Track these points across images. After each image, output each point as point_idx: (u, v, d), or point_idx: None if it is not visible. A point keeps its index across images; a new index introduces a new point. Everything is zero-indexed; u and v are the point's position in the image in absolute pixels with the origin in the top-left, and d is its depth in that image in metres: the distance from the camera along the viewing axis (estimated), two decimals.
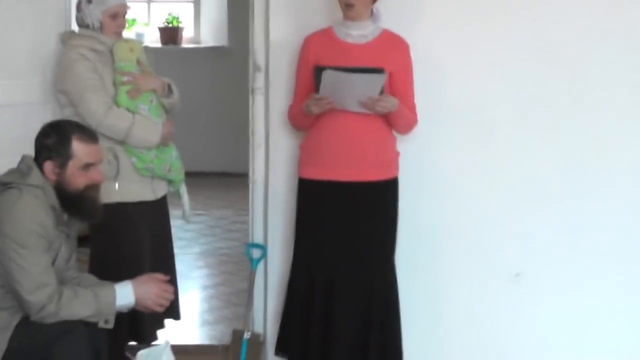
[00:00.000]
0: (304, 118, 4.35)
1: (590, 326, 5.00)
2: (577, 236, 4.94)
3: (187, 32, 9.66)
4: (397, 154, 4.47)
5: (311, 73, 4.30)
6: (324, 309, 4.42)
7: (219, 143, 8.03)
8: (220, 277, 6.09)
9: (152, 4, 9.85)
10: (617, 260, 4.97)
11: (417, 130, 4.62)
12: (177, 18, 9.58)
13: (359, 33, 4.31)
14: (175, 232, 5.21)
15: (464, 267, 4.96)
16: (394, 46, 4.38)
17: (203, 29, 9.57)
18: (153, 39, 9.58)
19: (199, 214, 6.85)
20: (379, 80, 4.17)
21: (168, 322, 4.69)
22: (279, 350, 4.59)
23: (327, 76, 4.11)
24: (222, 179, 7.57)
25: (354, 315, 4.44)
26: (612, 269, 4.97)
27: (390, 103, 4.24)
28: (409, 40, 4.42)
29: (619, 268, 4.97)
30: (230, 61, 7.39)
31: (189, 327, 5.25)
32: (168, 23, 9.56)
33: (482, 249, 4.97)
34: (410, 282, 4.76)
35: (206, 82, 8.76)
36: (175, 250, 5.01)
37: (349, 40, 4.31)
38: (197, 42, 9.56)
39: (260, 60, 4.75)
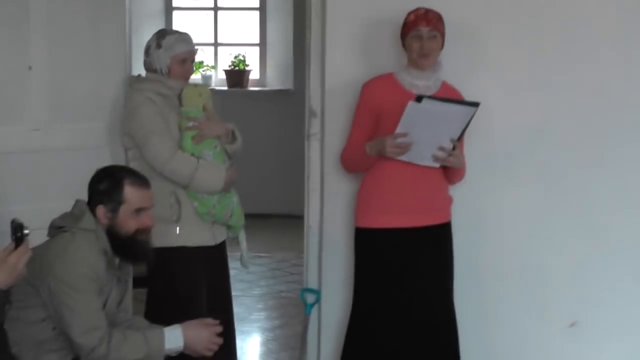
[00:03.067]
0: (364, 161, 4.31)
1: None
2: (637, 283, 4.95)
3: (254, 75, 9.65)
4: (451, 198, 4.49)
5: (372, 118, 4.31)
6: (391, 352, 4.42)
7: (284, 185, 7.99)
8: (279, 320, 6.05)
9: (219, 47, 9.91)
10: None
11: (474, 175, 4.61)
12: (244, 61, 9.60)
13: (425, 84, 4.30)
14: (237, 274, 5.25)
15: (522, 314, 4.90)
16: (454, 96, 4.44)
17: (269, 72, 9.57)
18: (219, 82, 9.64)
19: (260, 257, 6.85)
20: (471, 113, 4.17)
21: None
22: None
23: (425, 103, 4.07)
24: (286, 221, 7.52)
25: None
26: None
27: (459, 160, 4.28)
28: (460, 87, 4.44)
29: None
30: (296, 104, 7.48)
31: None
32: (235, 66, 9.59)
33: (539, 296, 4.92)
34: (468, 326, 4.69)
35: (272, 124, 8.78)
36: (236, 293, 5.04)
37: (415, 91, 4.26)
38: (263, 85, 9.55)
39: (316, 106, 4.77)
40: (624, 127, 4.82)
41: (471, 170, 4.60)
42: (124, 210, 3.54)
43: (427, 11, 4.27)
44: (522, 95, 4.79)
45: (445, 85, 4.38)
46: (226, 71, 9.65)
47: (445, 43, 4.36)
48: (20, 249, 2.74)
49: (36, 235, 3.53)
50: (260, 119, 8.34)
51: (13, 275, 2.75)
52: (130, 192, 3.56)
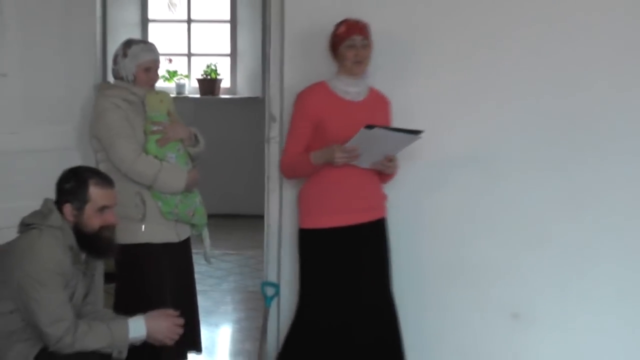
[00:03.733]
0: (309, 169, 4.47)
1: None
2: (577, 276, 5.02)
3: (225, 83, 9.87)
4: (385, 196, 4.64)
5: (311, 126, 4.46)
6: (338, 347, 4.55)
7: (254, 187, 7.97)
8: (244, 313, 6.19)
9: (192, 57, 10.12)
10: (617, 299, 5.03)
11: (417, 173, 4.81)
12: (216, 70, 9.81)
13: (356, 90, 4.49)
14: (207, 271, 5.42)
15: (466, 306, 5.02)
16: (381, 103, 4.61)
17: (239, 81, 9.77)
18: (192, 90, 9.84)
19: (230, 254, 6.98)
20: (413, 140, 4.36)
21: (190, 354, 4.80)
22: None
23: (375, 131, 4.22)
24: (255, 221, 7.49)
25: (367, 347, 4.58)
26: (611, 310, 5.04)
27: (396, 168, 4.49)
28: (388, 93, 4.61)
29: (619, 306, 5.02)
30: (264, 111, 7.61)
31: (210, 359, 5.40)
32: (207, 75, 9.80)
33: (479, 289, 5.04)
34: (410, 318, 4.80)
35: (241, 129, 8.87)
36: (206, 288, 5.20)
37: (348, 97, 4.47)
38: (234, 93, 9.75)
39: (276, 111, 4.91)
40: (555, 130, 4.98)
41: (412, 171, 4.77)
42: (89, 208, 3.66)
43: (357, 21, 4.46)
44: (449, 100, 4.92)
45: (372, 91, 4.58)
46: (199, 80, 9.85)
47: (375, 52, 4.53)
48: None
49: (10, 233, 3.81)
50: (231, 125, 8.49)
51: None
52: (95, 192, 3.67)
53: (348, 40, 4.42)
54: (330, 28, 4.52)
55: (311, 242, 4.57)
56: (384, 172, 4.53)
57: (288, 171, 4.60)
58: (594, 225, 5.07)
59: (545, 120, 5.01)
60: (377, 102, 4.60)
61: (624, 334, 5.10)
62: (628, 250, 5.07)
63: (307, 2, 4.82)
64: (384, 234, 4.65)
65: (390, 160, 4.47)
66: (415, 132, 4.34)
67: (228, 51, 10.06)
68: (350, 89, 4.49)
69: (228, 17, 10.04)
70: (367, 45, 4.45)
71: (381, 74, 4.65)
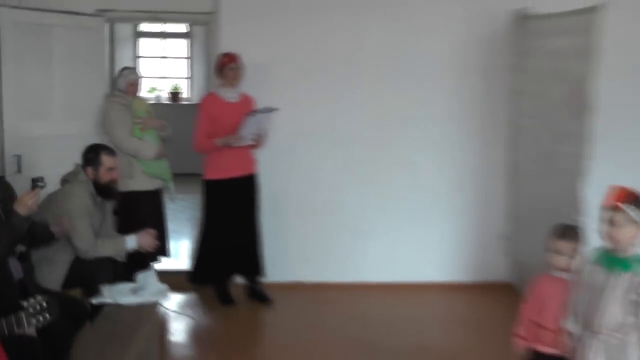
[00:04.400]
0: (214, 149, 4.77)
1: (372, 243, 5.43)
2: (393, 203, 5.45)
3: (185, 95, 10.22)
4: (256, 160, 4.98)
5: (210, 120, 4.75)
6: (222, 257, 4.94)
7: (200, 156, 7.79)
8: (194, 230, 5.58)
9: (165, 79, 10.36)
10: (412, 218, 5.47)
11: (280, 143, 5.16)
12: (179, 87, 10.18)
13: (234, 95, 4.89)
14: (172, 206, 5.69)
15: (318, 227, 5.42)
16: (249, 102, 4.93)
17: (193, 94, 10.03)
18: (165, 99, 10.07)
19: (186, 197, 6.86)
20: (273, 115, 4.76)
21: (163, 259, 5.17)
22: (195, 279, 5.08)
23: (256, 115, 4.61)
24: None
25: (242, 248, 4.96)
26: (411, 226, 5.47)
27: (264, 141, 4.90)
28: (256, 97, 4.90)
29: (415, 223, 5.48)
30: None
31: (175, 261, 5.65)
32: (173, 90, 10.15)
33: (330, 214, 5.42)
34: (281, 236, 5.28)
35: (193, 123, 8.65)
36: (172, 217, 5.55)
37: (231, 100, 4.86)
38: (190, 101, 10.00)
39: None
40: (374, 114, 5.36)
41: (276, 142, 5.12)
42: (101, 169, 4.01)
43: (234, 54, 4.83)
44: (299, 96, 5.26)
45: (243, 95, 4.92)
46: (169, 92, 10.06)
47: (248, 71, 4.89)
48: (31, 192, 3.21)
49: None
50: (187, 120, 8.02)
51: (25, 209, 3.16)
52: (105, 159, 4.02)
53: (232, 64, 4.84)
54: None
55: (209, 188, 4.92)
56: (257, 146, 4.91)
57: (200, 150, 4.90)
58: (398, 171, 5.44)
59: (368, 108, 5.35)
60: (247, 102, 4.91)
61: (419, 241, 5.52)
62: (417, 186, 5.46)
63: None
64: (255, 184, 5.01)
65: (261, 137, 4.86)
66: (274, 109, 4.76)
67: (187, 75, 10.30)
68: (230, 95, 4.88)
69: (187, 55, 10.28)
70: (239, 67, 4.85)
71: (250, 84, 4.97)
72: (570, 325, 3.09)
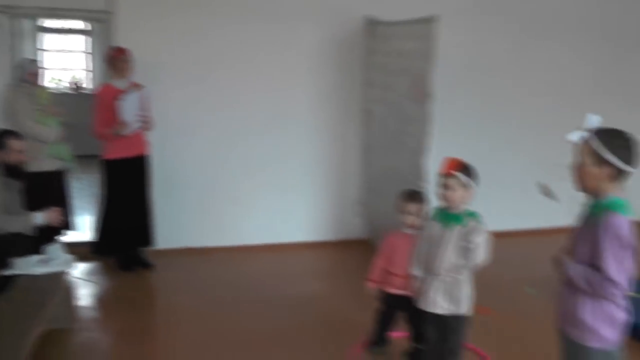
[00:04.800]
0: (110, 137, 4.64)
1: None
2: (264, 178, 5.42)
3: (85, 85, 9.73)
4: (148, 141, 4.85)
5: (107, 107, 4.56)
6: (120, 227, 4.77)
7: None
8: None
9: (67, 71, 9.81)
10: (280, 189, 5.51)
11: (167, 122, 5.00)
12: (78, 77, 9.69)
13: (126, 85, 4.71)
14: (79, 184, 5.57)
15: (204, 198, 5.35)
16: (139, 87, 4.75)
17: (95, 84, 9.31)
18: (66, 88, 9.54)
19: (89, 175, 6.42)
20: (143, 94, 4.62)
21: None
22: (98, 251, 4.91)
23: (125, 98, 4.47)
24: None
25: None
26: (279, 196, 5.51)
27: (152, 124, 4.75)
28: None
29: (280, 193, 5.52)
30: None
31: (80, 234, 5.26)
32: (74, 80, 9.64)
33: (212, 187, 5.36)
34: (165, 211, 5.11)
35: (91, 108, 8.29)
36: (79, 192, 5.47)
37: (123, 89, 4.68)
38: (91, 91, 9.11)
39: None
40: (258, 115, 5.34)
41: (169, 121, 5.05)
42: (9, 152, 3.89)
43: (124, 48, 4.68)
44: (188, 89, 5.15)
45: (132, 83, 4.74)
46: (70, 82, 9.62)
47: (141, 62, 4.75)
48: None
49: None
50: (85, 106, 7.82)
51: None
52: (12, 142, 3.91)
53: (120, 57, 4.68)
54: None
55: (107, 168, 4.78)
56: (146, 129, 4.79)
57: (98, 137, 4.75)
58: (271, 150, 5.41)
59: (244, 98, 5.30)
60: (137, 87, 4.73)
61: (290, 208, 5.57)
62: (287, 163, 5.49)
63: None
64: (147, 163, 4.88)
65: (147, 121, 4.72)
66: (140, 88, 4.60)
67: (87, 68, 9.87)
68: (122, 84, 4.70)
69: (87, 50, 9.82)
70: (129, 60, 4.69)
71: (142, 78, 4.79)
72: (415, 271, 3.26)
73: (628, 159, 2.20)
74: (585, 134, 2.23)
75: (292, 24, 5.37)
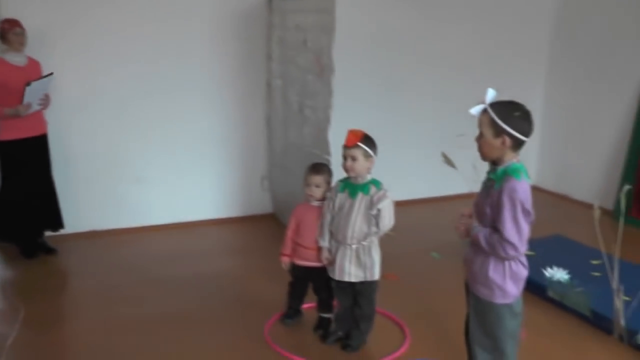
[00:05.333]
0: (7, 116, 4.37)
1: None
2: (170, 157, 5.34)
3: None
4: (46, 121, 4.65)
5: (1, 85, 4.33)
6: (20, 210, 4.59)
7: None
8: None
9: None
10: (184, 171, 5.42)
11: (62, 100, 4.82)
12: None
13: (21, 60, 4.48)
14: None
15: (108, 178, 5.20)
16: (36, 65, 4.58)
17: None
18: None
19: None
20: (51, 80, 4.47)
21: None
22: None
23: (32, 85, 4.27)
24: None
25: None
26: (183, 174, 5.42)
27: (50, 102, 4.52)
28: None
29: (182, 174, 5.44)
30: None
31: None
32: None
33: (116, 166, 5.20)
34: (68, 195, 4.97)
35: None
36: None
37: (19, 64, 4.46)
38: None
39: None
40: (154, 84, 5.12)
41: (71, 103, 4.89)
42: None
43: (15, 19, 4.43)
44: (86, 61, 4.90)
45: (29, 58, 4.53)
46: None
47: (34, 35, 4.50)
48: None
49: None
50: None
51: None
52: None
53: (13, 30, 4.42)
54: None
55: (3, 149, 4.51)
56: (44, 108, 4.59)
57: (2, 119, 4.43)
58: (175, 127, 5.30)
59: (145, 73, 5.11)
60: (34, 65, 4.56)
61: (196, 185, 5.48)
62: (191, 139, 5.36)
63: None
64: (46, 143, 4.70)
65: (47, 101, 4.54)
66: (50, 74, 4.46)
67: None
68: (17, 59, 4.47)
69: None
70: (23, 33, 4.45)
71: (33, 50, 4.55)
72: (324, 242, 3.35)
73: (523, 129, 2.35)
74: (484, 107, 2.36)
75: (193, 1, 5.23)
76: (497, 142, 2.35)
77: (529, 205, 2.35)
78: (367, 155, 3.13)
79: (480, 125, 2.39)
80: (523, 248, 2.38)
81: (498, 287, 2.46)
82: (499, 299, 2.48)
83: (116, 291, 4.24)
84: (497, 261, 2.46)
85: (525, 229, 2.36)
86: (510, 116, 2.33)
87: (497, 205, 2.35)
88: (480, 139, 2.42)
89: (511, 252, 2.36)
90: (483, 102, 2.36)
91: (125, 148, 5.25)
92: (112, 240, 5.19)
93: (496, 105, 2.35)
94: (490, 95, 2.35)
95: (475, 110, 2.37)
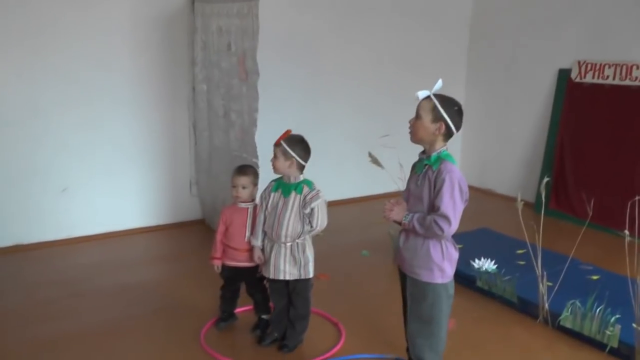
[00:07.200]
0: None
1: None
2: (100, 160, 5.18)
3: None
4: None
5: None
6: None
7: None
8: None
9: None
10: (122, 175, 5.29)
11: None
12: None
13: None
14: None
15: (17, 187, 4.90)
16: None
17: None
18: None
19: None
20: None
21: None
22: None
23: None
24: None
25: None
26: (120, 177, 5.28)
27: None
28: None
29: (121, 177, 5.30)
30: None
31: None
32: None
33: (26, 174, 4.94)
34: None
35: None
36: None
37: None
38: None
39: None
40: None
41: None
42: None
43: None
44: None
45: None
46: None
47: None
48: None
49: None
50: None
51: None
52: None
53: None
54: None
55: None
56: None
57: None
58: (95, 134, 5.10)
59: (66, 79, 4.89)
60: None
61: (119, 194, 5.32)
62: (113, 145, 5.19)
63: None
64: None
65: None
66: None
67: None
68: None
69: None
70: None
71: None
72: (257, 241, 3.33)
73: (457, 123, 2.61)
74: (430, 94, 2.59)
75: (113, 5, 5.09)
76: (433, 127, 2.57)
77: (464, 184, 2.55)
78: (286, 155, 3.14)
79: (420, 109, 2.60)
80: (455, 224, 2.51)
81: (438, 267, 2.61)
82: (439, 279, 2.63)
83: (43, 307, 4.05)
84: (435, 242, 2.61)
85: (460, 206, 2.53)
86: (450, 108, 2.58)
87: (434, 184, 2.54)
88: (416, 121, 2.61)
89: (445, 227, 2.49)
90: (430, 90, 2.60)
91: (44, 157, 5.04)
92: (34, 255, 4.97)
93: (439, 96, 2.59)
94: (438, 85, 2.60)
95: (422, 94, 2.59)
